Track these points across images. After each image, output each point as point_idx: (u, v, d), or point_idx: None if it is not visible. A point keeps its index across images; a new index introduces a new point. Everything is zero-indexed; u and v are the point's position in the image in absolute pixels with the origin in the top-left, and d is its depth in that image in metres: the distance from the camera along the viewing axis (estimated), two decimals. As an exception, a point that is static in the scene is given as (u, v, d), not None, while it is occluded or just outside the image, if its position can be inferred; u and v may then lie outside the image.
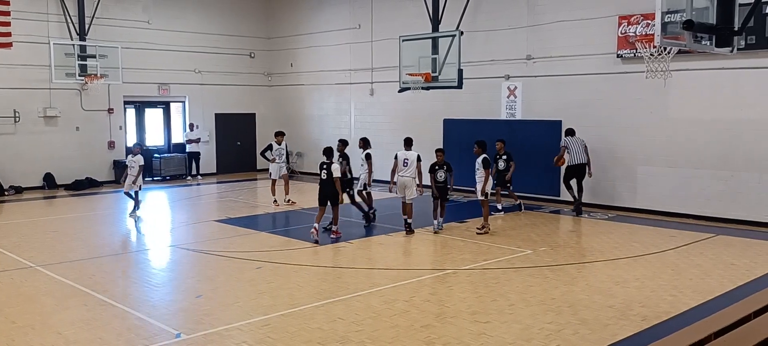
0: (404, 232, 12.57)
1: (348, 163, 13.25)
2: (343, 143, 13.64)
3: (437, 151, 12.79)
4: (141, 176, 14.22)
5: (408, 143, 13.39)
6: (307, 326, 7.33)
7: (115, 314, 7.88)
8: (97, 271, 9.93)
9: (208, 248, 11.39)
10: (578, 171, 14.84)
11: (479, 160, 12.64)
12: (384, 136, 19.91)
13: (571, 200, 14.98)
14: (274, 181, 15.91)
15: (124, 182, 14.32)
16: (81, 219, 14.41)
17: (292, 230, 13.48)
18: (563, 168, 15.04)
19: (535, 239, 12.12)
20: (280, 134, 16.04)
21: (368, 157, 13.48)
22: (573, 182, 14.93)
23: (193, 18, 22.14)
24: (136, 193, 14.28)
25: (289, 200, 15.90)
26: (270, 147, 15.87)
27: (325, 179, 12.01)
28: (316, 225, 11.86)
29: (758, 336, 4.97)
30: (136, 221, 14.00)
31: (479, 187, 12.64)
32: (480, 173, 12.62)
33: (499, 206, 14.79)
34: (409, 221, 12.61)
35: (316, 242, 11.59)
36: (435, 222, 12.67)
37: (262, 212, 14.78)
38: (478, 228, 12.57)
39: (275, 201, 15.76)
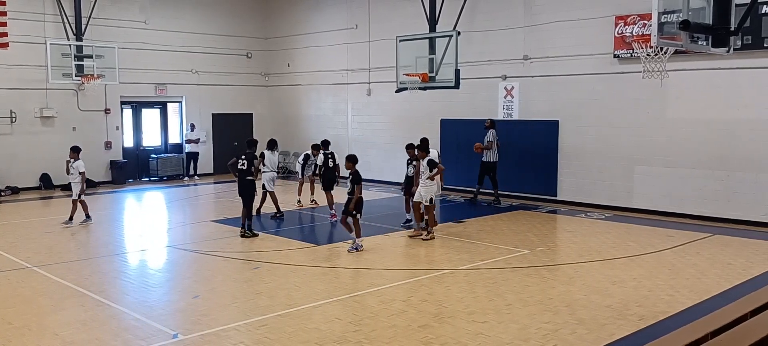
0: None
1: (252, 163, 12.53)
2: (251, 144, 13.01)
3: (347, 158, 11.49)
4: (84, 184, 13.52)
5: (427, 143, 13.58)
6: (305, 326, 7.32)
7: (112, 315, 7.87)
8: (93, 271, 9.91)
9: (206, 249, 11.37)
10: (493, 167, 15.84)
11: (424, 162, 12.04)
12: (381, 136, 19.95)
13: (474, 192, 16.31)
14: (301, 182, 16.04)
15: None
16: (78, 219, 14.36)
17: (289, 231, 13.47)
18: (482, 162, 15.85)
19: (532, 239, 12.13)
20: (315, 148, 15.73)
21: (261, 156, 13.87)
22: (486, 178, 15.92)
23: (189, 18, 22.11)
24: (79, 201, 13.54)
25: (313, 200, 16.14)
26: (308, 157, 15.91)
27: (332, 166, 14.25)
28: (332, 210, 13.89)
29: (755, 336, 4.98)
30: (77, 224, 13.46)
31: (423, 191, 11.99)
32: (426, 176, 11.94)
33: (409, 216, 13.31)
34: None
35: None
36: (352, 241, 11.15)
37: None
38: (423, 237, 11.96)
39: (299, 201, 15.88)
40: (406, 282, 9.28)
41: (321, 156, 14.48)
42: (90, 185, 19.67)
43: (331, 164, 14.30)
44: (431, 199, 12.06)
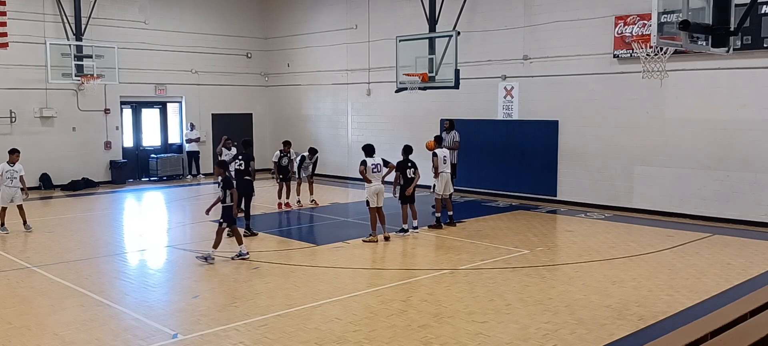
0: (439, 226, 13.00)
1: (249, 164, 12.46)
2: (247, 144, 13.11)
3: (215, 166, 11.33)
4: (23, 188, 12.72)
5: (441, 140, 13.71)
6: (305, 326, 7.33)
7: (111, 315, 7.87)
8: (93, 271, 9.91)
9: (205, 249, 11.34)
10: (452, 170, 15.25)
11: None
12: (381, 136, 19.91)
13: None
14: (299, 182, 16.07)
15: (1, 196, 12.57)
16: (77, 220, 14.38)
17: (289, 231, 13.49)
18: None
19: (532, 239, 12.13)
20: (287, 144, 15.99)
21: (220, 154, 14.83)
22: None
23: (189, 18, 22.11)
24: (21, 207, 12.72)
25: (312, 200, 16.17)
26: (304, 158, 15.94)
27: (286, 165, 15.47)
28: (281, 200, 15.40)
29: (754, 336, 4.98)
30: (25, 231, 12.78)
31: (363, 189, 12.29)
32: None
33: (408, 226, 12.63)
34: (450, 213, 13.26)
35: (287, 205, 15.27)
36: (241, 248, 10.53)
37: (259, 212, 14.79)
38: (364, 239, 11.90)
39: (299, 201, 15.90)
40: (405, 282, 9.28)
41: (293, 152, 15.73)
42: (89, 185, 19.77)
43: (284, 163, 15.49)
44: (367, 200, 11.98)
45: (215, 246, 10.30)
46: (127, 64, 19.75)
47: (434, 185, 13.30)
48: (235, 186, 10.64)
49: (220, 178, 10.67)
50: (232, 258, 10.37)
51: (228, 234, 10.64)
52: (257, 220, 13.59)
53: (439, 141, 13.66)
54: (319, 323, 7.43)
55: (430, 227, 12.98)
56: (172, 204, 17.43)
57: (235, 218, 10.51)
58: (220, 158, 15.30)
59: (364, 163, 11.97)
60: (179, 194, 18.83)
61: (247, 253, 10.49)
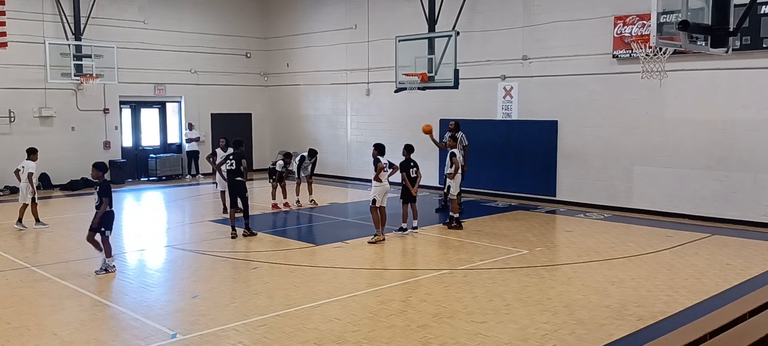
0: (448, 226, 13.04)
1: (240, 163, 12.35)
2: (238, 143, 12.93)
3: (94, 166, 10.20)
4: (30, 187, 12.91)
5: (456, 140, 13.71)
6: (304, 326, 7.32)
7: (110, 315, 7.87)
8: (92, 271, 9.89)
9: (204, 249, 11.37)
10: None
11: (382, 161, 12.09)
12: (381, 136, 19.87)
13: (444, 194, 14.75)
14: (298, 182, 16.04)
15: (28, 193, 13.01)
16: (77, 219, 14.35)
17: (288, 231, 13.48)
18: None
19: (531, 239, 12.13)
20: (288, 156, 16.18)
21: (213, 154, 15.12)
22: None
23: (189, 18, 22.11)
24: (30, 204, 13.06)
25: (312, 200, 16.16)
26: (303, 159, 15.95)
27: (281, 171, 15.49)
28: (276, 202, 15.49)
29: (753, 336, 4.99)
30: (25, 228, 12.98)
31: (371, 190, 12.19)
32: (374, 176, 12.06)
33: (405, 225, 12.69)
34: (456, 216, 13.11)
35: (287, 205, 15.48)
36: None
37: (258, 212, 14.79)
38: (369, 240, 11.79)
39: (298, 201, 15.91)
40: (404, 282, 9.28)
41: (301, 157, 15.85)
42: (88, 184, 19.73)
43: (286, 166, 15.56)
44: (374, 199, 11.90)
45: (108, 254, 9.78)
46: (126, 64, 19.75)
47: (449, 186, 13.19)
48: (111, 193, 9.92)
49: (98, 181, 9.88)
50: (96, 272, 9.64)
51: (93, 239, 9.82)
52: (256, 220, 13.59)
53: (455, 140, 13.62)
54: (319, 323, 7.43)
55: (451, 228, 12.89)
56: (171, 204, 17.42)
57: (109, 225, 9.87)
58: (216, 159, 15.25)
59: (378, 160, 11.93)
60: (178, 193, 18.82)
61: (114, 266, 9.81)
